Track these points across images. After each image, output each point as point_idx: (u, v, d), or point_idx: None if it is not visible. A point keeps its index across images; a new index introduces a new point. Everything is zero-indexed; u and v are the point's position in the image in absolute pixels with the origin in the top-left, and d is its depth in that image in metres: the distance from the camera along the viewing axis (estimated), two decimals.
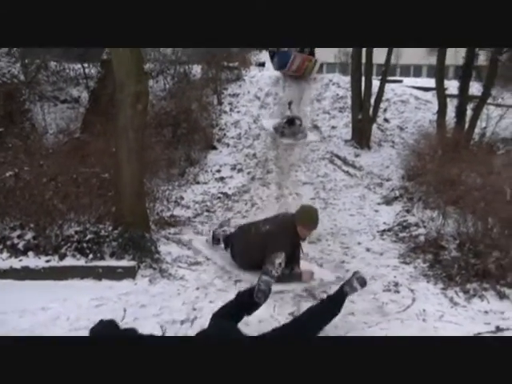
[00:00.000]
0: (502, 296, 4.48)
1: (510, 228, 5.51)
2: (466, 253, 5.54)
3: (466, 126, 10.56)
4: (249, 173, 10.10)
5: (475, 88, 11.69)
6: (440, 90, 10.86)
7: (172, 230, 6.57)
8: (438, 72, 11.14)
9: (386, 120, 13.15)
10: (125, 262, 4.83)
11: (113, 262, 4.82)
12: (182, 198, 8.47)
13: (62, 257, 4.82)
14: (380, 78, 12.31)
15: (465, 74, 11.09)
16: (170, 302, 4.26)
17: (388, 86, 13.84)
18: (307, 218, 4.83)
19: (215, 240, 5.87)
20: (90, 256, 4.84)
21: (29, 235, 4.95)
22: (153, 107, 11.45)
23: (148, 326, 3.70)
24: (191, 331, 3.64)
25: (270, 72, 16.46)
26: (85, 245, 4.91)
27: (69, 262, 4.80)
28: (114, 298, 4.27)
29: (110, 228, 5.20)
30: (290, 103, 12.93)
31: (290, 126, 12.14)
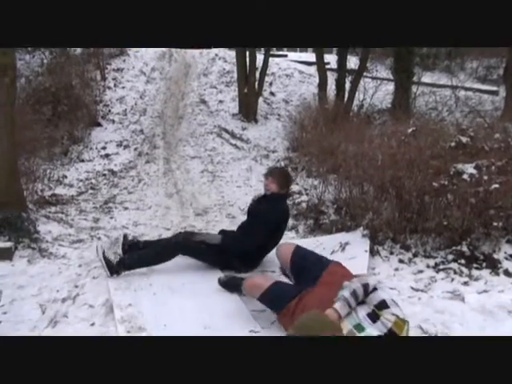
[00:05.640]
0: (374, 253, 4.81)
1: (382, 191, 5.92)
2: (343, 216, 5.89)
3: (346, 97, 11.07)
4: (136, 149, 9.91)
5: (353, 62, 12.25)
6: (320, 65, 11.25)
7: (53, 209, 6.34)
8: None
9: (271, 93, 13.43)
10: (0, 244, 4.61)
11: None
12: (64, 177, 8.15)
13: None
14: (264, 52, 12.50)
15: (342, 48, 11.59)
16: (51, 281, 4.13)
17: (273, 61, 14.13)
18: None
19: None
20: None
21: None
22: (30, 83, 10.86)
23: (26, 307, 3.62)
24: (73, 308, 3.59)
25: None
26: None
27: None
28: None
29: None
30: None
31: None
